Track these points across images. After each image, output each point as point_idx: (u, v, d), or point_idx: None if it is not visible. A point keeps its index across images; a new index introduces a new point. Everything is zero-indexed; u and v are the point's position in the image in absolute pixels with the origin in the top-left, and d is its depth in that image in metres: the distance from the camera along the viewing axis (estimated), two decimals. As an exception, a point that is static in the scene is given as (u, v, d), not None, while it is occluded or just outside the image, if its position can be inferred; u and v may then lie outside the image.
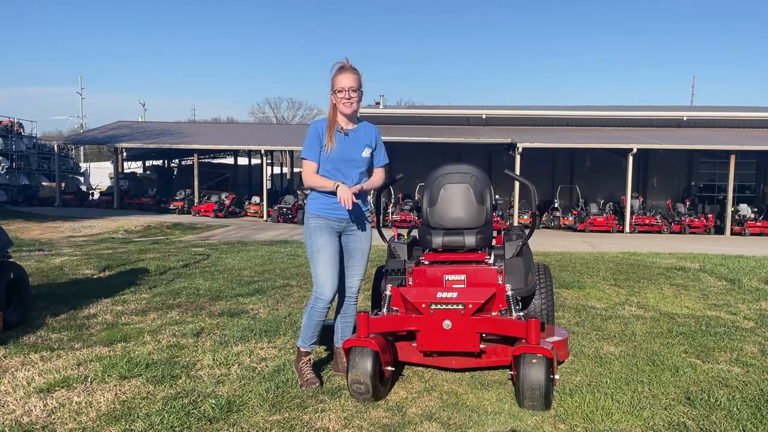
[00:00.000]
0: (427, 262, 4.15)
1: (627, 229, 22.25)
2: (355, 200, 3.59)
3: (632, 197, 23.20)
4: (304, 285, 7.11)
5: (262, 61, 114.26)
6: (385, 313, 3.82)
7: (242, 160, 37.73)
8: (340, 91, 3.64)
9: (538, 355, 3.33)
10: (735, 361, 4.37)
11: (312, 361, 3.86)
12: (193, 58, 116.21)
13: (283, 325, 5.17)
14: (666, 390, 3.73)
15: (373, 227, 4.07)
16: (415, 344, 3.81)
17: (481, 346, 3.73)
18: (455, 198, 4.31)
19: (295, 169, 36.25)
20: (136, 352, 4.32)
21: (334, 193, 3.60)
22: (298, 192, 24.80)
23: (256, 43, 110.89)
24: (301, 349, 3.80)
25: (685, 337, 5.01)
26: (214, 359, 4.17)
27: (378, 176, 3.88)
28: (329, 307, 3.76)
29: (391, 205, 23.44)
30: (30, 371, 3.90)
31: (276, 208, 23.36)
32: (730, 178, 22.52)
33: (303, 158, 3.75)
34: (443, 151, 23.31)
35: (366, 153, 3.77)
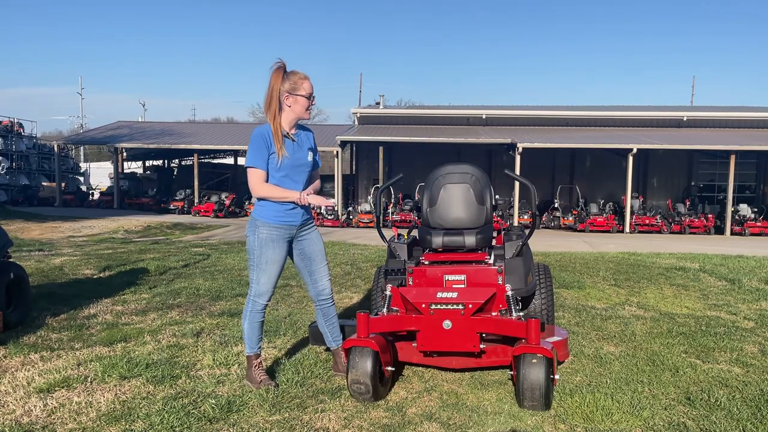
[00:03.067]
0: (427, 262, 4.15)
1: (627, 229, 22.26)
2: (331, 202, 3.61)
3: (632, 197, 23.21)
4: (304, 285, 7.10)
5: (262, 61, 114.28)
6: (385, 313, 3.81)
7: (242, 160, 37.70)
8: (308, 97, 3.57)
9: (538, 355, 3.33)
10: (735, 361, 4.36)
11: (263, 363, 3.81)
12: (193, 58, 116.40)
13: (283, 325, 5.17)
14: (666, 390, 3.73)
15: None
16: (415, 344, 3.81)
17: (481, 346, 3.73)
18: (455, 198, 4.31)
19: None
20: (136, 352, 4.32)
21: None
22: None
23: (256, 43, 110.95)
24: (251, 355, 3.74)
25: (685, 337, 5.01)
26: (214, 359, 4.17)
27: (318, 178, 3.86)
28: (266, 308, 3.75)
29: (391, 205, 23.44)
30: (30, 371, 3.89)
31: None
32: (730, 178, 22.53)
33: (250, 167, 3.54)
34: (443, 151, 23.30)
35: (311, 157, 3.72)
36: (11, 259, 5.50)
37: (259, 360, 3.76)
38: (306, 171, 3.70)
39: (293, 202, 3.57)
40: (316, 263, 3.81)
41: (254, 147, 3.55)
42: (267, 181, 3.59)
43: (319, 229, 3.93)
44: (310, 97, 3.57)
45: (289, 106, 3.57)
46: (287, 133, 3.61)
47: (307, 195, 3.53)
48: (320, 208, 23.69)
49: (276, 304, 6.08)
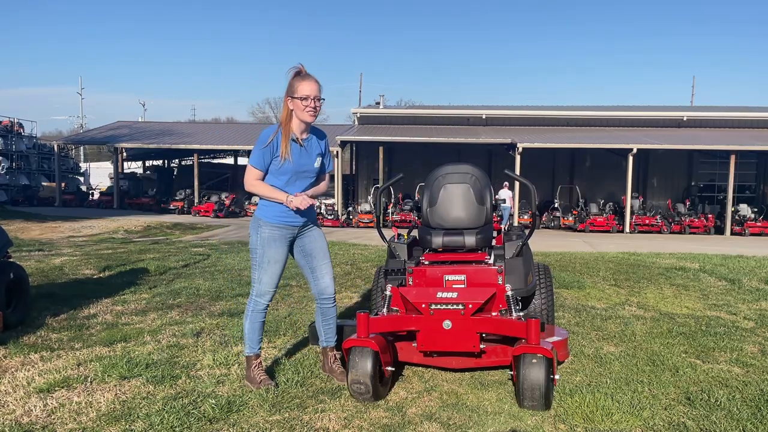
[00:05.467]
0: (427, 262, 4.15)
1: (627, 229, 22.27)
2: (312, 201, 3.58)
3: (632, 197, 23.23)
4: (304, 285, 7.10)
5: (262, 61, 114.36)
6: (385, 313, 3.81)
7: (242, 160, 37.72)
8: (304, 99, 3.48)
9: (538, 355, 3.33)
10: (735, 361, 4.36)
11: (262, 363, 3.81)
12: (193, 58, 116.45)
13: (283, 325, 5.16)
14: (666, 390, 3.73)
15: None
16: (415, 344, 3.80)
17: (481, 346, 3.73)
18: (455, 198, 4.31)
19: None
20: (136, 352, 4.32)
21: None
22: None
23: (256, 43, 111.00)
24: (251, 355, 3.73)
25: (685, 337, 5.01)
26: (214, 359, 4.17)
27: (324, 183, 3.84)
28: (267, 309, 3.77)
29: (391, 205, 23.44)
30: (30, 371, 3.89)
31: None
32: (730, 178, 22.54)
33: (250, 165, 3.57)
34: (443, 151, 23.31)
35: (318, 163, 3.68)
36: (11, 259, 5.50)
37: (258, 360, 3.75)
38: (310, 177, 3.68)
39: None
40: (317, 260, 3.79)
41: (257, 147, 3.57)
42: (264, 181, 3.61)
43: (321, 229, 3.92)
44: (308, 98, 3.49)
45: (292, 110, 3.55)
46: (296, 138, 3.58)
47: (293, 199, 3.51)
48: (320, 208, 23.71)
49: (276, 304, 6.08)
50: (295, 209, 3.54)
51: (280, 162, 3.53)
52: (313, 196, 3.68)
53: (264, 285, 3.67)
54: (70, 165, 36.69)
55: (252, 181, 3.59)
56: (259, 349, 3.77)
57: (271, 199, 3.58)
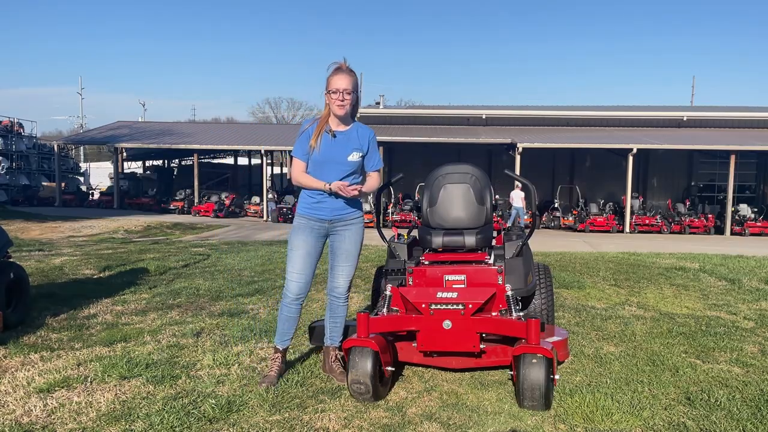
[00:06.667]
0: (427, 262, 4.15)
1: (627, 229, 22.26)
2: (346, 188, 3.55)
3: (632, 197, 23.22)
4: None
5: (262, 61, 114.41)
6: (385, 313, 3.81)
7: (242, 160, 37.74)
8: (334, 92, 3.59)
9: (538, 355, 3.33)
10: (735, 361, 4.36)
11: (281, 359, 3.83)
12: (193, 58, 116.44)
13: (283, 325, 5.16)
14: (666, 390, 3.72)
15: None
16: (415, 344, 3.80)
17: (481, 346, 3.73)
18: (455, 198, 4.31)
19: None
20: (136, 352, 4.31)
21: (319, 193, 3.68)
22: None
23: (256, 42, 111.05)
24: (274, 347, 3.84)
25: (685, 337, 5.00)
26: (214, 359, 4.17)
27: (373, 180, 3.84)
28: (299, 304, 3.79)
29: (391, 205, 23.44)
30: (30, 371, 3.89)
31: (276, 207, 23.42)
32: (730, 178, 22.54)
33: (293, 156, 3.78)
34: (443, 151, 23.30)
35: (353, 157, 3.69)
36: (11, 259, 5.49)
37: (278, 355, 3.80)
38: (341, 170, 3.68)
39: (323, 195, 3.67)
40: (338, 260, 3.85)
41: (298, 138, 3.72)
42: (307, 170, 3.72)
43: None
44: (338, 92, 3.59)
45: (328, 104, 3.68)
46: (330, 129, 3.69)
47: (331, 184, 3.58)
48: None
49: (276, 304, 6.08)
50: (329, 192, 3.60)
51: (309, 152, 3.67)
52: (364, 193, 3.74)
53: (288, 274, 3.75)
54: (70, 165, 36.71)
55: (295, 173, 3.74)
56: (283, 344, 3.82)
57: (313, 188, 3.68)
